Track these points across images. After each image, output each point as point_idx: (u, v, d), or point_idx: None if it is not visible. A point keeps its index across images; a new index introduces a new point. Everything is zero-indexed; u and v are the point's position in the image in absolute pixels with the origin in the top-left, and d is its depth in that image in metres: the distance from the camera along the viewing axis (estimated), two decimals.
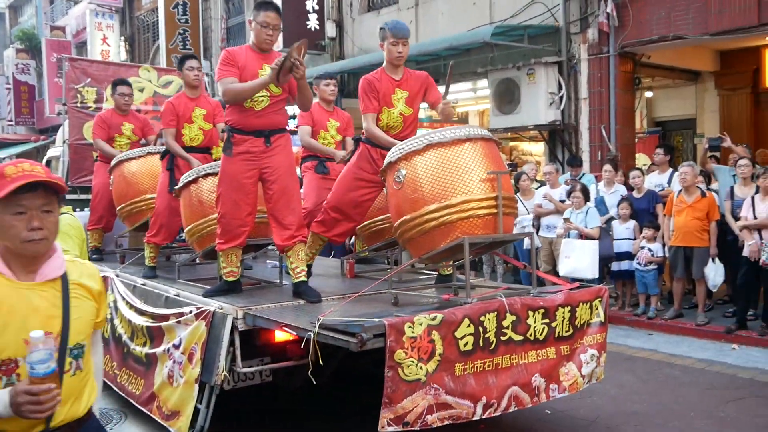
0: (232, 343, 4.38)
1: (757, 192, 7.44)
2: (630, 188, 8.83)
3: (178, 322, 4.83)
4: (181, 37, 18.12)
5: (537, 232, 9.13)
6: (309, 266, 5.33)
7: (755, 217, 7.31)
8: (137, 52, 22.72)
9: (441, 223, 4.21)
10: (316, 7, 14.28)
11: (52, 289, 2.20)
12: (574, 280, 7.41)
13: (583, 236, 8.30)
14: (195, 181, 5.53)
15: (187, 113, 6.13)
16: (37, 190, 2.12)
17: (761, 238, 7.23)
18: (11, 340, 2.08)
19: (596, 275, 8.09)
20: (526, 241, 8.82)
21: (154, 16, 20.51)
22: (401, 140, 4.60)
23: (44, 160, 11.10)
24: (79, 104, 8.97)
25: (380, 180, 4.90)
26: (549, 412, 5.30)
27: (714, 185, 8.51)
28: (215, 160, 5.86)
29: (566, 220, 8.42)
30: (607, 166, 9.06)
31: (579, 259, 8.14)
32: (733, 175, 8.13)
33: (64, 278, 2.24)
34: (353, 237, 6.80)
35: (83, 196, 8.96)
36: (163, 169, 6.20)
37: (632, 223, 8.40)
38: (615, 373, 6.12)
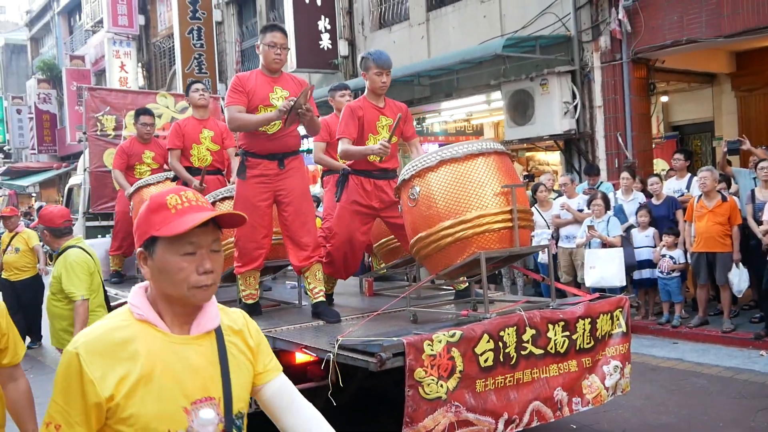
0: None
1: None
2: (648, 195, 8.76)
3: None
4: (196, 62, 18.33)
5: (556, 243, 9.08)
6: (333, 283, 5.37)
7: None
8: (155, 78, 23.00)
9: (457, 238, 4.20)
10: (328, 27, 14.38)
11: (208, 343, 1.81)
12: (600, 289, 7.37)
13: (606, 245, 8.23)
14: (212, 205, 5.56)
15: (194, 134, 6.23)
16: (207, 224, 1.74)
17: None
18: (169, 410, 1.69)
19: (623, 283, 8.02)
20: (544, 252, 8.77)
21: (170, 42, 20.76)
22: (385, 169, 4.78)
23: (66, 188, 11.25)
24: (99, 132, 9.09)
25: (374, 211, 4.97)
26: (574, 426, 5.25)
27: (733, 188, 8.42)
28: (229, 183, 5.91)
29: (590, 228, 8.34)
30: (625, 174, 8.99)
31: (605, 269, 8.05)
32: (754, 178, 8.04)
33: (218, 330, 1.84)
34: (369, 255, 6.80)
35: (104, 223, 9.08)
36: None
37: (652, 230, 8.32)
38: (640, 384, 6.04)
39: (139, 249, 1.76)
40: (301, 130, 4.97)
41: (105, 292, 5.17)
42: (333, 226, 5.24)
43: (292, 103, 4.45)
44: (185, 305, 1.77)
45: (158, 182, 6.94)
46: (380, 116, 5.03)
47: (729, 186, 8.41)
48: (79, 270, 4.74)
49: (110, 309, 5.28)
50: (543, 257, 8.86)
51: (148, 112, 7.75)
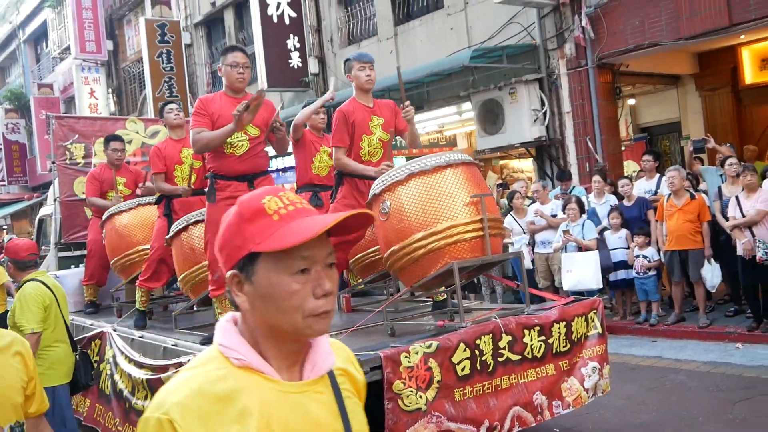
0: None
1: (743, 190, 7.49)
2: (620, 197, 8.88)
3: (177, 372, 4.82)
4: (167, 85, 18.28)
5: (533, 249, 9.15)
6: None
7: (743, 215, 7.34)
8: (125, 103, 22.89)
9: (429, 250, 4.24)
10: (298, 45, 14.43)
11: (324, 388, 1.44)
12: (578, 293, 7.44)
13: (582, 248, 8.32)
14: (185, 229, 5.56)
15: (175, 155, 6.19)
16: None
17: (753, 236, 7.25)
18: None
19: (600, 285, 8.12)
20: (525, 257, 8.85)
21: (139, 66, 20.69)
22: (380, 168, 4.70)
23: (37, 219, 11.14)
24: (68, 161, 9.00)
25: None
26: (557, 430, 5.28)
27: (702, 186, 8.55)
28: None
29: (566, 232, 8.43)
30: (596, 177, 9.11)
31: (582, 272, 8.15)
32: (720, 175, 8.18)
33: (330, 372, 1.47)
34: (345, 271, 6.80)
35: (77, 253, 8.99)
36: (160, 215, 6.22)
37: (624, 231, 8.43)
38: (621, 383, 6.10)
39: (231, 272, 1.36)
40: (270, 150, 4.99)
41: (67, 326, 5.12)
42: None
43: (245, 103, 4.48)
44: (297, 340, 1.39)
45: (130, 208, 6.90)
46: (371, 116, 5.10)
47: (697, 184, 8.54)
48: (32, 303, 4.70)
49: (73, 343, 5.23)
50: (528, 262, 8.94)
51: (117, 138, 7.70)
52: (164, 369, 5.01)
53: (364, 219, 1.41)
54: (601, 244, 8.36)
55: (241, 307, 1.37)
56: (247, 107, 4.49)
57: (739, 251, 7.38)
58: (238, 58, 4.82)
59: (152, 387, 5.12)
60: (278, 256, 1.31)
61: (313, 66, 14.58)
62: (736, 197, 7.46)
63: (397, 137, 5.51)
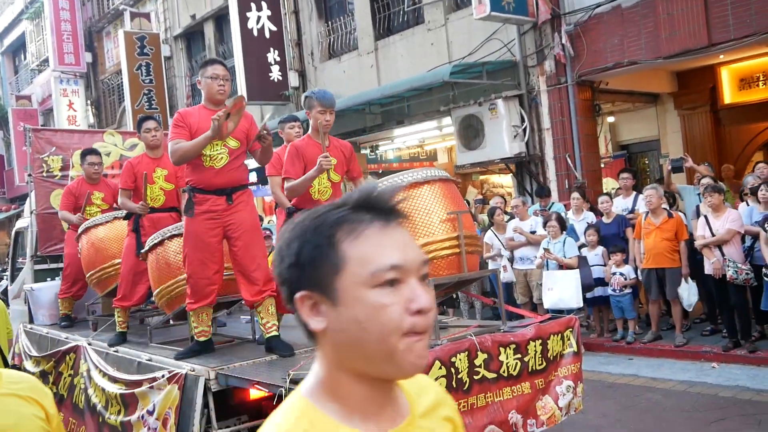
0: (206, 404, 4.32)
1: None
2: (600, 214, 8.92)
3: (151, 387, 4.76)
4: (146, 98, 18.19)
5: (512, 265, 9.16)
6: (280, 316, 5.29)
7: (713, 235, 7.40)
8: (104, 115, 22.75)
9: None
10: (278, 59, 14.42)
11: None
12: (558, 311, 7.45)
13: (563, 266, 8.33)
14: (161, 243, 5.50)
15: (149, 173, 6.12)
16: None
17: (723, 255, 7.31)
18: None
19: (581, 304, 8.13)
20: (503, 274, 8.86)
21: (118, 79, 20.58)
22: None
23: (13, 232, 11.01)
24: (45, 173, 8.92)
25: None
26: None
27: (681, 206, 8.62)
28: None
29: (546, 251, 8.45)
30: (575, 194, 9.15)
31: (563, 290, 8.16)
32: (699, 194, 8.24)
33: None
34: None
35: (53, 266, 8.89)
36: (129, 231, 6.17)
37: (601, 249, 8.46)
38: (597, 401, 6.11)
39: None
40: (251, 163, 4.96)
41: (1, 350, 5.00)
42: None
43: (224, 111, 4.45)
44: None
45: (106, 222, 6.83)
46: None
47: (674, 203, 8.60)
48: None
49: (6, 364, 5.11)
50: (504, 276, 8.93)
51: (94, 152, 7.63)
52: (138, 384, 4.95)
53: None
54: (582, 262, 8.38)
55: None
56: (228, 114, 4.47)
57: (708, 270, 7.45)
58: (218, 71, 4.80)
59: (126, 402, 5.05)
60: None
61: (293, 80, 14.57)
62: (705, 217, 7.54)
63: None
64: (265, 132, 4.63)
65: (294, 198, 5.06)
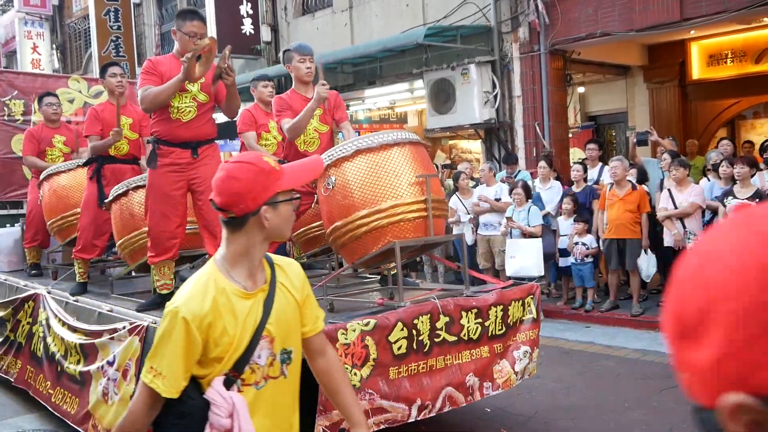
0: None
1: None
2: (569, 183, 9.00)
3: (112, 338, 4.75)
4: (114, 44, 17.75)
5: (476, 230, 9.24)
6: None
7: (675, 208, 7.54)
8: (69, 60, 22.20)
9: (372, 228, 4.24)
10: (251, 12, 14.17)
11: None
12: (520, 278, 7.54)
13: (526, 234, 8.42)
14: (125, 193, 5.45)
15: (112, 121, 5.99)
16: None
17: (684, 227, 7.46)
18: None
19: (542, 272, 8.24)
20: (468, 238, 8.94)
21: (85, 24, 20.06)
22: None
23: None
24: (6, 117, 8.72)
25: (313, 189, 4.89)
26: (488, 410, 5.38)
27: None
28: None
29: (509, 219, 8.52)
30: (542, 163, 9.22)
31: (524, 258, 8.25)
32: (661, 168, 8.36)
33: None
34: (288, 243, 6.77)
35: (13, 211, 8.75)
36: (88, 177, 6.05)
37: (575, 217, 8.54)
38: (553, 367, 6.24)
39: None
40: (220, 117, 4.89)
41: None
42: None
43: (192, 52, 4.36)
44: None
45: (69, 170, 6.72)
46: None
47: (647, 179, 8.64)
48: None
49: None
50: (469, 240, 8.99)
51: (51, 94, 7.50)
52: (98, 334, 4.93)
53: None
54: (545, 231, 8.48)
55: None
56: (198, 57, 4.38)
57: (668, 242, 7.61)
58: (196, 28, 4.64)
59: (85, 352, 5.03)
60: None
61: (265, 34, 14.35)
62: (668, 190, 7.67)
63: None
64: (226, 67, 4.44)
65: (296, 137, 5.03)
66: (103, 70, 6.20)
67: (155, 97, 4.56)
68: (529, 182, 9.20)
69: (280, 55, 4.98)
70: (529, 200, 8.62)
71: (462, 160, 12.75)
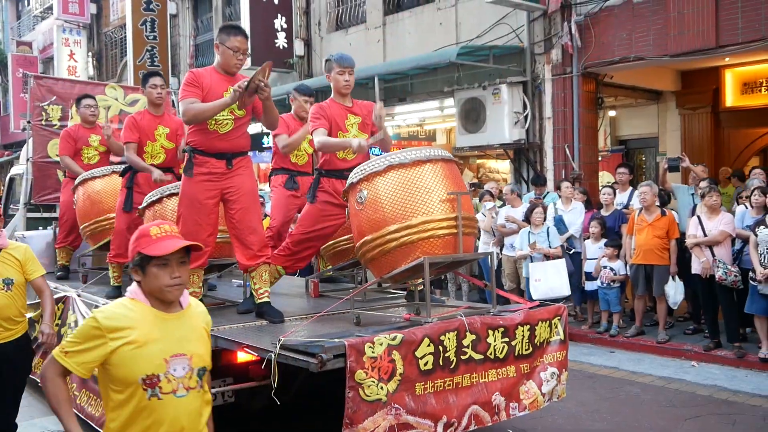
0: None
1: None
2: (596, 207, 8.94)
3: None
4: (149, 54, 18.05)
5: (501, 251, 9.21)
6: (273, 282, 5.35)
7: (705, 235, 7.45)
8: (105, 68, 22.57)
9: (402, 243, 4.25)
10: (285, 26, 14.34)
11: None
12: (550, 300, 7.48)
13: (548, 257, 8.36)
14: (159, 201, 5.50)
15: (150, 131, 6.08)
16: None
17: (713, 255, 7.37)
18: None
19: (569, 291, 8.18)
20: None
21: (122, 33, 20.41)
22: (356, 166, 4.64)
23: (7, 178, 10.98)
24: (43, 122, 8.90)
25: (344, 202, 4.92)
26: (510, 431, 5.34)
27: (672, 204, 8.66)
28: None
29: (533, 245, 8.44)
30: (565, 183, 9.12)
31: (552, 280, 8.19)
32: (692, 194, 8.29)
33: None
34: (316, 257, 6.78)
35: (46, 215, 8.89)
36: (123, 186, 6.17)
37: (605, 241, 8.48)
38: (576, 390, 6.18)
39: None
40: (255, 128, 4.95)
41: None
42: (301, 220, 5.33)
43: (247, 81, 4.44)
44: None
45: (104, 175, 6.82)
46: (348, 114, 5.10)
47: (668, 201, 8.63)
48: None
49: None
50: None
51: (88, 96, 7.67)
52: None
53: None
54: (564, 251, 8.43)
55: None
56: (247, 87, 4.44)
57: (696, 269, 7.52)
58: (239, 43, 4.77)
59: None
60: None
61: (298, 48, 14.50)
62: (698, 217, 7.59)
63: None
64: (261, 83, 4.46)
65: (326, 153, 5.11)
66: (145, 79, 6.30)
67: (200, 113, 4.66)
68: (551, 205, 9.10)
69: (319, 61, 5.05)
70: (546, 222, 8.57)
71: (489, 180, 12.74)
